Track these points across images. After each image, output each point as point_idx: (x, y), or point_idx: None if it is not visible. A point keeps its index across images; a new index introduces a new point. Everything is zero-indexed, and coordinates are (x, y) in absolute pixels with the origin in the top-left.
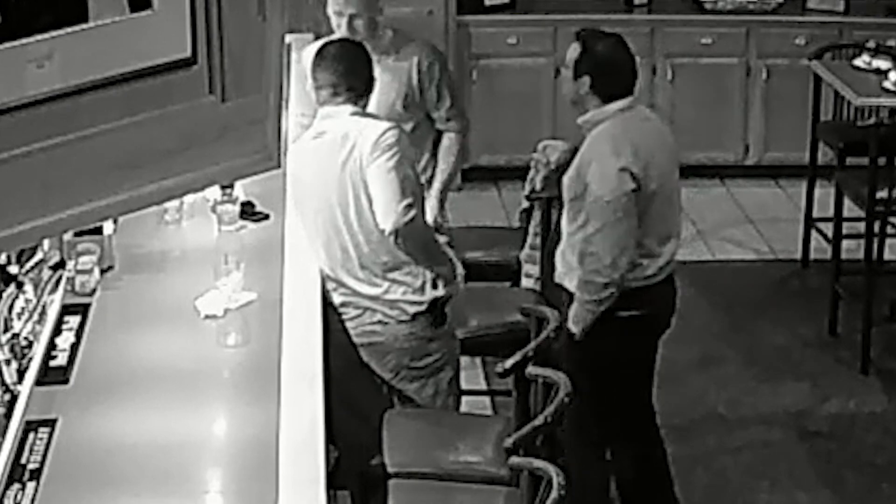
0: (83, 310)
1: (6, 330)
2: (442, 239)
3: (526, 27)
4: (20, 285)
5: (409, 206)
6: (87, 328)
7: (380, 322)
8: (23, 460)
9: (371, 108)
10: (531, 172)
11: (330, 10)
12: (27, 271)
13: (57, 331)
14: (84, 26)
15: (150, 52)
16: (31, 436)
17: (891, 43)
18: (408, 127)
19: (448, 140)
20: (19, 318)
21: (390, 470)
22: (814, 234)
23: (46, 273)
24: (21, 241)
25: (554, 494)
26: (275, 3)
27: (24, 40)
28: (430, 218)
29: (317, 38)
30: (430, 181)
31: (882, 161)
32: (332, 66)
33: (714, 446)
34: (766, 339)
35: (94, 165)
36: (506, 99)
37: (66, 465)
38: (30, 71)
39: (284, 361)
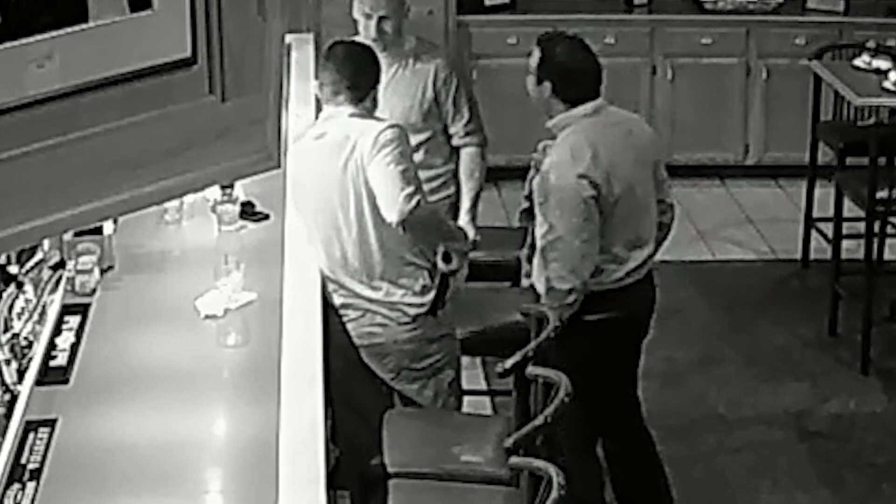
0: (83, 310)
1: (6, 330)
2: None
3: (526, 27)
4: (20, 285)
5: (412, 195)
6: (87, 328)
7: (380, 325)
8: (23, 460)
9: (385, 116)
10: (531, 172)
11: (357, 13)
12: (27, 271)
13: (57, 331)
14: (84, 26)
15: (150, 52)
16: (31, 436)
17: (891, 43)
18: (424, 137)
19: (468, 157)
20: (19, 318)
21: (390, 470)
22: (814, 234)
23: (46, 273)
24: (21, 241)
25: (554, 494)
26: (275, 3)
27: (24, 40)
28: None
29: (317, 38)
30: (454, 199)
31: (882, 161)
32: (335, 65)
33: (714, 446)
34: (766, 339)
35: (94, 165)
36: (506, 99)
37: (66, 465)
38: (30, 71)
39: (284, 361)
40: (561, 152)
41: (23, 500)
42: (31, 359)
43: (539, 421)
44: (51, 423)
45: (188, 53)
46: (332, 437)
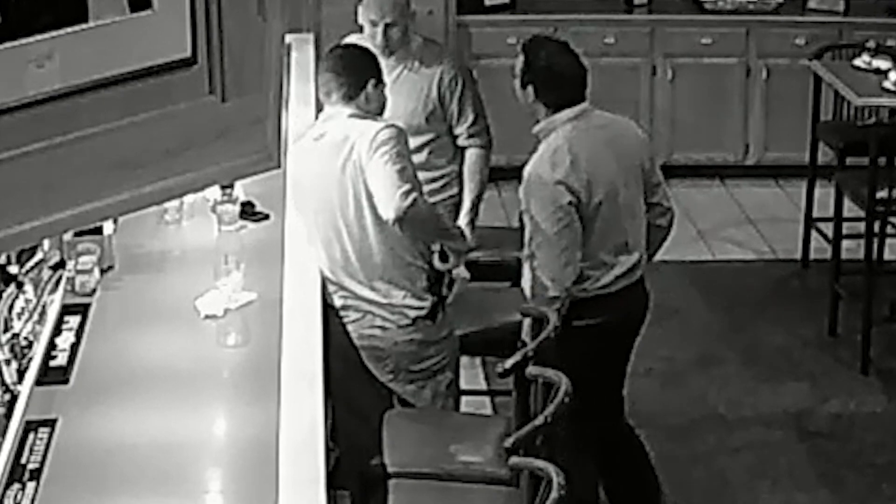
0: (83, 310)
1: (6, 330)
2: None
3: (526, 27)
4: (20, 285)
5: (408, 192)
6: (87, 328)
7: (380, 327)
8: (23, 460)
9: (389, 116)
10: None
11: (363, 19)
12: (27, 271)
13: (57, 331)
14: (84, 26)
15: (150, 52)
16: (31, 436)
17: (891, 43)
18: (428, 138)
19: (472, 158)
20: (19, 318)
21: (390, 470)
22: (814, 234)
23: (46, 273)
24: (21, 241)
25: (554, 494)
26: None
27: (24, 40)
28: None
29: (317, 38)
30: (457, 199)
31: (882, 161)
32: (326, 66)
33: (714, 446)
34: (766, 339)
35: (94, 165)
36: (506, 99)
37: (66, 465)
38: (30, 71)
39: (284, 361)
40: (541, 159)
41: (23, 500)
42: (31, 359)
43: (539, 421)
44: (51, 423)
45: (188, 53)
46: (332, 437)
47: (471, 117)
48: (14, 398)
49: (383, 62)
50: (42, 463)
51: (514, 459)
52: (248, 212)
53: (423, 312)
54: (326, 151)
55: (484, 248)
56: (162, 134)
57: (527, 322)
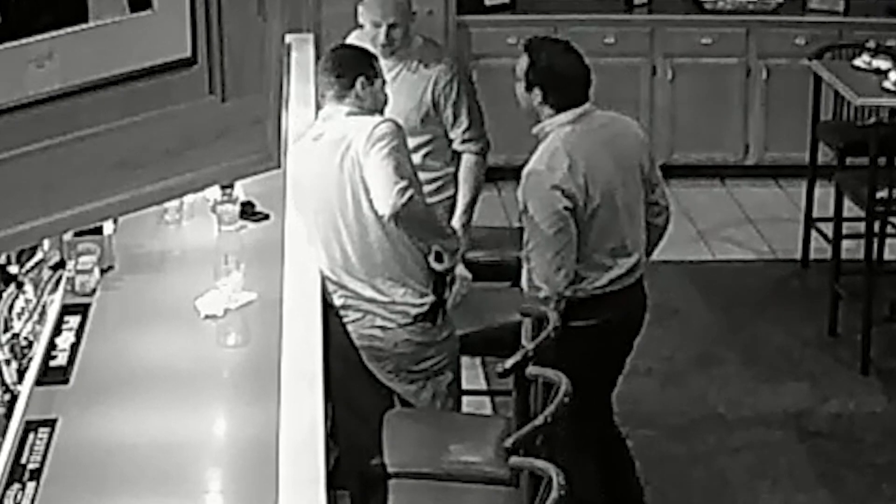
0: (83, 310)
1: (6, 330)
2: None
3: (526, 27)
4: (20, 285)
5: (405, 189)
6: (87, 328)
7: (381, 327)
8: (23, 460)
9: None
10: None
11: (364, 19)
12: (27, 271)
13: (57, 331)
14: (84, 26)
15: (150, 52)
16: (31, 436)
17: (891, 43)
18: (424, 139)
19: (466, 164)
20: (19, 318)
21: (390, 470)
22: (814, 234)
23: (46, 273)
24: (21, 241)
25: (554, 494)
26: (275, 3)
27: (24, 40)
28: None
29: (317, 38)
30: (453, 201)
31: (882, 161)
32: (320, 67)
33: (714, 446)
34: (766, 339)
35: (94, 165)
36: (506, 99)
37: (66, 465)
38: (30, 71)
39: (284, 361)
40: (538, 162)
41: (23, 500)
42: (31, 359)
43: (539, 421)
44: (51, 423)
45: (188, 53)
46: (332, 437)
47: (465, 122)
48: (14, 398)
49: (382, 62)
50: (42, 463)
51: (514, 459)
52: (248, 212)
53: (423, 310)
54: (325, 150)
55: (484, 248)
56: (162, 134)
57: (527, 322)
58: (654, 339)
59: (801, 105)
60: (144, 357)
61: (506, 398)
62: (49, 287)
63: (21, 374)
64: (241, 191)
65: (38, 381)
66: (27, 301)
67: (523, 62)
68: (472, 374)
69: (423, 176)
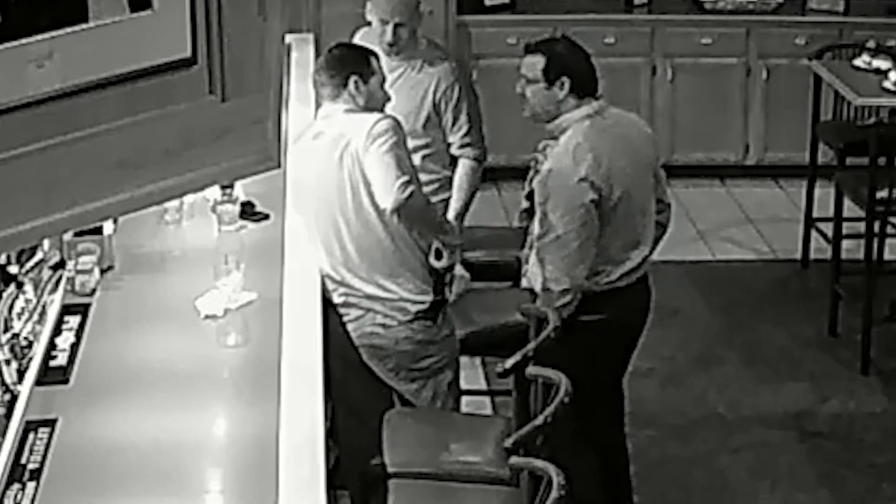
0: (83, 310)
1: (6, 330)
2: (459, 270)
3: (526, 27)
4: (20, 285)
5: (407, 183)
6: (87, 328)
7: (382, 325)
8: (23, 460)
9: None
10: (531, 172)
11: (372, 17)
12: (27, 271)
13: (57, 331)
14: (84, 26)
15: (150, 52)
16: (31, 436)
17: (891, 43)
18: (423, 142)
19: (462, 170)
20: (19, 318)
21: (390, 470)
22: (814, 234)
23: (46, 273)
24: (21, 241)
25: (554, 494)
26: (275, 3)
27: (24, 40)
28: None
29: (317, 38)
30: (446, 206)
31: (882, 161)
32: (317, 66)
33: (714, 446)
34: (766, 339)
35: (94, 165)
36: (506, 99)
37: (66, 465)
38: (30, 71)
39: (284, 361)
40: (562, 156)
41: (23, 500)
42: (31, 359)
43: (539, 421)
44: (51, 423)
45: (188, 53)
46: (332, 437)
47: (465, 127)
48: (14, 398)
49: (386, 61)
50: (42, 463)
51: (514, 459)
52: (248, 212)
53: (423, 307)
54: (325, 148)
55: (484, 248)
56: (162, 134)
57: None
58: (654, 339)
59: (801, 105)
60: (144, 357)
61: (506, 398)
62: (49, 287)
63: (21, 374)
64: (241, 191)
65: (38, 381)
66: (27, 301)
67: (537, 62)
68: (472, 374)
69: (421, 178)
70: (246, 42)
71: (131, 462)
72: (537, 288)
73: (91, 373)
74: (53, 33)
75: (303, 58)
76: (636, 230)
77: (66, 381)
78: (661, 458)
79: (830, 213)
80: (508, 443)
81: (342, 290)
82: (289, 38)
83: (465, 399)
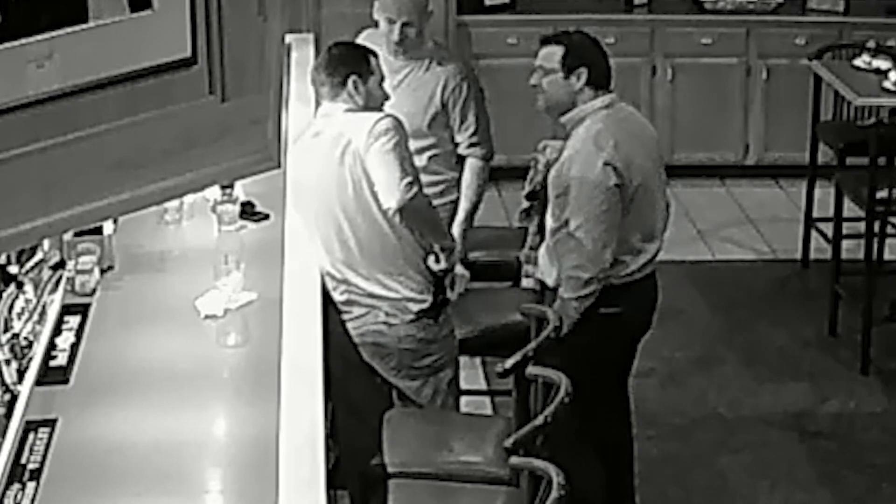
0: (83, 310)
1: (6, 330)
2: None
3: (526, 27)
4: (20, 285)
5: (411, 183)
6: (87, 328)
7: (385, 323)
8: (23, 460)
9: None
10: (531, 172)
11: (379, 16)
12: (27, 271)
13: (57, 331)
14: (84, 26)
15: (150, 52)
16: (31, 436)
17: (891, 43)
18: (429, 142)
19: (471, 169)
20: (19, 318)
21: (390, 470)
22: (814, 234)
23: (46, 273)
24: (21, 241)
25: (554, 494)
26: (275, 3)
27: (24, 40)
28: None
29: (317, 38)
30: (453, 207)
31: (882, 161)
32: (315, 66)
33: (714, 446)
34: (766, 340)
35: (94, 165)
36: (506, 99)
37: (66, 465)
38: (30, 71)
39: (284, 361)
40: (583, 142)
41: (23, 500)
42: (31, 359)
43: (539, 421)
44: (51, 423)
45: (188, 53)
46: (332, 437)
47: (473, 127)
48: (14, 398)
49: (391, 61)
50: (42, 463)
51: (514, 459)
52: (248, 212)
53: (424, 306)
54: (325, 147)
55: (484, 248)
56: (162, 134)
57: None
58: (654, 340)
59: (801, 105)
60: (144, 357)
61: (506, 398)
62: (49, 287)
63: (21, 374)
64: (241, 191)
65: (38, 381)
66: (27, 301)
67: (555, 52)
68: (472, 374)
69: (426, 179)
70: (246, 42)
71: (131, 462)
72: (550, 283)
73: (91, 373)
74: (53, 33)
75: (303, 58)
76: (653, 220)
77: (66, 381)
78: (661, 458)
79: (830, 213)
80: (508, 443)
81: (344, 287)
82: (289, 38)
83: (465, 399)
